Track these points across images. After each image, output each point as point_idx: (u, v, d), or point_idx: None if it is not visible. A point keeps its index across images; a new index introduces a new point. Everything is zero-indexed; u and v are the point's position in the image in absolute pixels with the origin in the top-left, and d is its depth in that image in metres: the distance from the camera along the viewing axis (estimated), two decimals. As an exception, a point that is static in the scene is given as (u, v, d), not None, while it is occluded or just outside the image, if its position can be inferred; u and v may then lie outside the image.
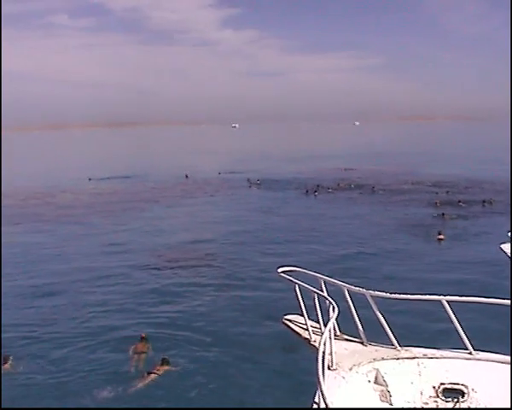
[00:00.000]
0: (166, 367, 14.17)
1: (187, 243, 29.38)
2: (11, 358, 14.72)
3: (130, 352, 15.33)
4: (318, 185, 49.87)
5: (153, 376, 13.78)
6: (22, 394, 13.19)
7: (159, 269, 24.45)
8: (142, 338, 15.83)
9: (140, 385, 13.50)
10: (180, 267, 24.54)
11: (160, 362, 14.31)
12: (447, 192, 44.76)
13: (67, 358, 15.15)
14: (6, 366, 14.39)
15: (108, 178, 63.71)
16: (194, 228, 33.95)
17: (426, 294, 8.06)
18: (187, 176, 62.07)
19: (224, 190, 51.81)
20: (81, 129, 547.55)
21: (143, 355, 15.11)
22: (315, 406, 5.96)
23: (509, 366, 7.34)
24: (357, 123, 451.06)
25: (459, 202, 39.45)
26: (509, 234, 12.70)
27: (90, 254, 27.44)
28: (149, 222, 36.07)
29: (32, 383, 13.74)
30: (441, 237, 28.10)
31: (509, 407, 6.65)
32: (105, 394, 13.05)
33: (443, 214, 34.56)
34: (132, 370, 14.42)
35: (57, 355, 15.31)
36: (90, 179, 61.81)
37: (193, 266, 24.54)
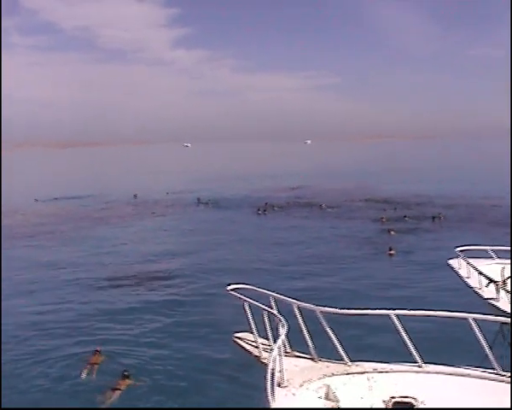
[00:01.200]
0: (128, 382, 14.08)
1: (135, 263, 29.05)
2: None
3: (85, 364, 15.29)
4: (267, 204, 50.05)
5: (117, 392, 13.70)
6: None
7: (107, 288, 24.15)
8: (96, 351, 15.88)
9: (109, 401, 13.42)
10: (129, 286, 24.30)
11: (121, 377, 14.21)
12: (395, 209, 45.56)
13: (21, 378, 14.91)
14: None
15: (56, 198, 62.38)
16: (142, 248, 33.52)
17: (375, 309, 8.10)
18: (135, 196, 61.13)
19: (173, 209, 51.59)
20: (32, 148, 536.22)
21: (96, 366, 15.17)
22: None
23: (458, 377, 7.43)
24: (309, 141, 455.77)
25: (405, 217, 40.41)
26: (456, 250, 12.98)
27: (35, 273, 26.99)
28: (97, 242, 35.52)
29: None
30: (392, 252, 28.60)
31: None
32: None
33: (389, 230, 35.06)
34: (83, 377, 14.60)
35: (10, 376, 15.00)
36: (36, 200, 60.29)
37: (141, 285, 24.36)
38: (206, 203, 53.98)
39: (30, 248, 34.00)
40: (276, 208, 48.63)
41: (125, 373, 14.34)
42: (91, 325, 19.30)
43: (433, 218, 39.76)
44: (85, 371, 14.95)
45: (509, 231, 28.83)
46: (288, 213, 46.69)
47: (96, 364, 15.35)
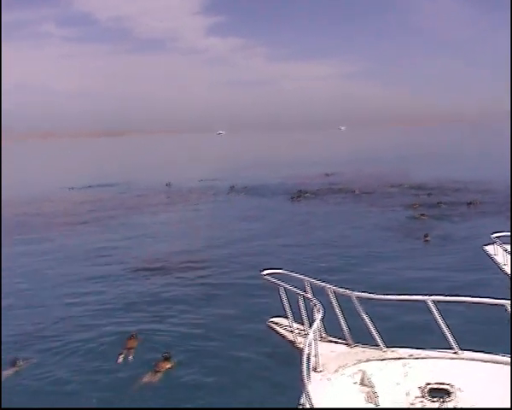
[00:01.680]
0: (169, 364, 14.36)
1: (168, 250, 29.28)
2: (20, 361, 14.91)
3: (121, 348, 15.59)
4: (301, 190, 49.85)
5: (158, 374, 13.96)
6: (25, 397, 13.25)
7: (142, 275, 24.45)
8: (132, 335, 16.21)
9: (147, 382, 13.67)
10: (163, 272, 24.55)
11: (161, 359, 14.51)
12: (428, 194, 44.90)
13: (64, 360, 15.35)
14: (15, 368, 14.55)
15: (90, 186, 63.52)
16: (176, 235, 33.93)
17: (411, 294, 8.06)
18: (168, 184, 61.62)
19: (206, 197, 51.75)
20: (69, 138, 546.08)
21: (132, 350, 15.48)
22: (300, 408, 5.90)
23: (494, 364, 7.35)
24: (343, 128, 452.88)
25: (439, 203, 39.90)
26: (493, 236, 12.77)
27: (78, 261, 27.57)
28: (130, 230, 36.02)
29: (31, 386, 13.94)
30: (427, 238, 28.34)
31: (494, 406, 6.64)
32: (107, 395, 13.23)
33: (421, 216, 34.97)
34: (120, 363, 14.85)
35: (53, 358, 15.50)
36: (71, 189, 61.57)
37: (176, 271, 24.57)
38: (240, 191, 54.06)
39: (66, 236, 34.59)
40: (309, 195, 48.41)
41: (166, 355, 14.61)
42: (127, 309, 19.66)
43: (469, 204, 38.95)
44: (122, 356, 15.24)
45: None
46: (322, 199, 46.48)
47: (131, 348, 15.64)
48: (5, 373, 14.31)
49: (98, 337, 16.85)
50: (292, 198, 46.99)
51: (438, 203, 39.80)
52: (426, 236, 28.62)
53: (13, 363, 14.70)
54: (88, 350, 15.95)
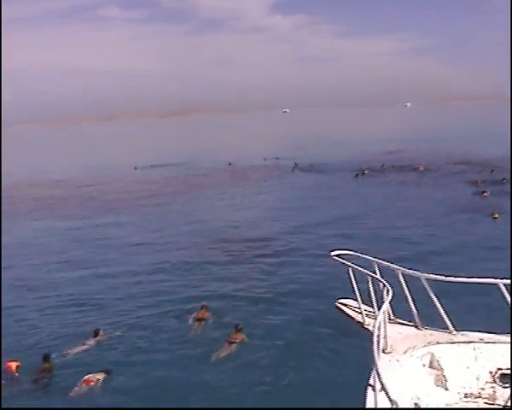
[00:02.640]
0: (242, 336, 14.71)
1: (232, 227, 29.85)
2: (101, 331, 15.65)
3: (191, 320, 16.23)
4: (367, 168, 49.30)
5: (233, 345, 14.32)
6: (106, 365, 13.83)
7: (208, 250, 25.06)
8: (203, 306, 16.66)
9: (223, 354, 14.02)
10: (228, 250, 24.96)
11: (234, 331, 14.86)
12: (492, 171, 43.72)
13: (139, 332, 16.01)
14: (97, 338, 15.29)
15: (153, 166, 64.82)
16: (240, 213, 34.20)
17: (482, 277, 7.91)
18: (230, 164, 61.80)
19: (270, 175, 51.89)
20: (133, 119, 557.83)
21: (203, 322, 16.02)
22: (369, 388, 5.96)
23: None
24: (409, 104, 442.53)
25: (503, 179, 38.87)
26: None
27: (141, 237, 28.75)
28: (194, 208, 36.61)
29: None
30: (496, 215, 27.78)
31: None
32: (189, 363, 13.79)
33: (482, 192, 34.50)
34: (193, 334, 15.42)
35: (129, 331, 16.17)
36: (135, 168, 62.97)
37: (240, 249, 24.92)
38: (304, 169, 53.89)
39: (132, 215, 35.58)
40: (372, 172, 47.99)
41: (239, 327, 14.95)
42: (194, 282, 20.38)
43: None
44: (195, 327, 15.80)
45: None
46: (385, 177, 46.07)
47: (203, 319, 16.15)
48: (88, 343, 15.06)
49: (168, 311, 17.43)
50: (356, 175, 46.67)
51: (502, 180, 38.86)
52: (494, 212, 28.06)
53: (95, 334, 15.44)
54: (160, 323, 16.53)
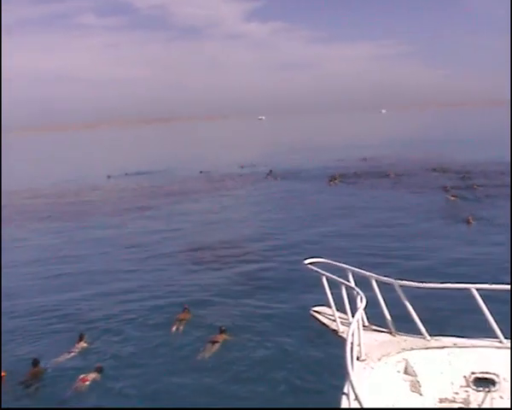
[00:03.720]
0: (225, 336, 15.23)
1: (208, 236, 29.58)
2: (86, 336, 15.88)
3: (175, 321, 16.73)
4: (336, 175, 50.15)
5: (216, 344, 14.88)
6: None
7: (187, 261, 24.82)
8: (185, 309, 17.32)
9: (207, 354, 14.52)
10: (206, 258, 24.93)
11: (218, 331, 15.41)
12: (462, 177, 44.57)
13: (130, 334, 16.40)
14: (81, 343, 15.50)
15: (127, 174, 64.51)
16: (215, 221, 34.09)
17: (454, 282, 7.97)
18: (201, 172, 61.61)
19: (245, 182, 51.87)
20: (114, 126, 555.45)
21: (184, 322, 16.63)
22: (344, 397, 5.94)
23: None
24: (384, 111, 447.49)
25: (474, 185, 39.66)
26: None
27: (118, 248, 28.30)
28: (168, 217, 36.37)
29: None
30: (470, 220, 28.13)
31: None
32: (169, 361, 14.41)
33: (452, 196, 35.26)
34: (173, 332, 16.16)
35: (122, 333, 16.51)
36: (108, 177, 62.45)
37: (217, 257, 24.90)
38: (279, 176, 54.02)
39: (104, 224, 35.26)
40: (345, 179, 48.59)
41: (222, 328, 15.50)
42: (169, 295, 20.18)
43: (498, 186, 38.28)
44: (175, 327, 16.35)
45: None
46: (356, 182, 46.65)
47: (184, 320, 16.71)
48: (73, 349, 15.27)
49: (149, 314, 17.88)
50: (329, 181, 47.14)
51: (473, 186, 39.63)
52: (469, 217, 28.43)
53: (80, 338, 15.65)
54: (142, 326, 16.95)
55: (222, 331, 15.37)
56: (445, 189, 38.68)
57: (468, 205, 32.89)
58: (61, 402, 12.64)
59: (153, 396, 12.74)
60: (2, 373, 13.60)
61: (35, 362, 14.00)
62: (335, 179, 47.61)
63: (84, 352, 15.18)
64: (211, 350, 14.62)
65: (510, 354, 7.08)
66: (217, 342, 14.92)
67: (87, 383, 13.24)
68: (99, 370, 13.74)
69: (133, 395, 12.86)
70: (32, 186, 57.81)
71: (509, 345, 7.44)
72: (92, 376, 13.47)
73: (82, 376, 13.42)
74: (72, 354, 14.99)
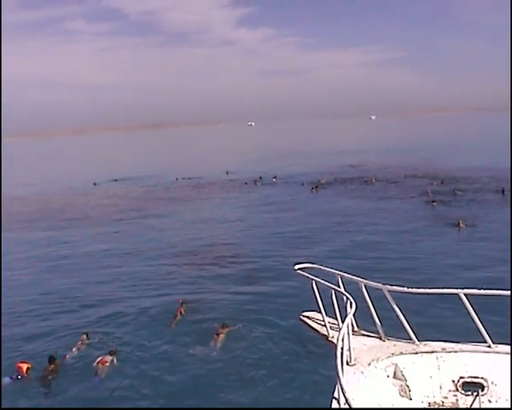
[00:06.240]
0: (227, 329, 15.94)
1: (196, 242, 29.66)
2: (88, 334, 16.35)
3: (172, 316, 17.49)
4: (324, 181, 51.11)
5: (221, 335, 15.60)
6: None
7: (177, 264, 25.12)
8: (181, 303, 18.21)
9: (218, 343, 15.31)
10: (191, 265, 24.97)
11: (220, 326, 16.05)
12: (442, 182, 45.29)
13: (128, 333, 16.89)
14: (84, 341, 15.94)
15: (116, 180, 64.63)
16: (202, 227, 34.07)
17: (443, 287, 8.01)
18: (176, 179, 61.69)
19: (232, 189, 52.02)
20: (101, 132, 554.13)
21: (181, 316, 17.50)
22: (334, 401, 5.97)
23: None
24: (374, 117, 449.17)
25: (455, 190, 40.30)
26: None
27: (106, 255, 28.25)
28: (155, 224, 36.28)
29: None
30: (461, 225, 28.43)
31: None
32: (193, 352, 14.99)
33: (432, 202, 36.00)
34: (173, 325, 17.00)
35: (119, 331, 17.08)
36: (95, 184, 62.20)
37: (205, 264, 24.94)
38: (265, 183, 54.25)
39: (90, 230, 35.26)
40: (329, 185, 49.33)
41: (225, 323, 16.18)
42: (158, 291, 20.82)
43: (503, 191, 38.21)
44: (174, 321, 17.17)
45: None
46: (338, 189, 47.20)
47: (181, 314, 17.55)
48: (77, 345, 15.71)
49: (147, 309, 18.59)
50: (312, 189, 47.30)
51: (454, 190, 40.24)
52: (459, 222, 28.75)
53: (85, 336, 16.12)
54: (140, 324, 17.52)
55: (224, 325, 16.03)
56: (427, 194, 39.24)
57: (448, 210, 33.46)
58: (85, 388, 13.40)
59: (154, 387, 13.24)
60: (27, 366, 14.12)
61: (51, 358, 14.38)
62: (316, 187, 48.06)
63: (88, 348, 15.61)
64: (217, 342, 15.28)
65: (510, 359, 7.11)
66: (221, 333, 15.57)
67: (106, 364, 14.05)
68: (113, 353, 14.58)
69: (135, 386, 13.36)
70: (14, 194, 57.49)
71: (496, 349, 7.50)
72: (109, 358, 14.28)
73: (100, 358, 14.27)
74: (76, 350, 15.40)
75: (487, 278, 19.37)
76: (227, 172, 64.96)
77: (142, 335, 16.48)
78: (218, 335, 15.57)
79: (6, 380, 13.75)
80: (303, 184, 51.10)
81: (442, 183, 45.13)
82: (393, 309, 7.89)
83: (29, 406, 12.96)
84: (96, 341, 16.08)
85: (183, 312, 17.63)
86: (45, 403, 13.02)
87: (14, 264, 27.21)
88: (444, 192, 40.03)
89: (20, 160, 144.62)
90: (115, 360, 14.35)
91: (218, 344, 15.24)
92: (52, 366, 14.24)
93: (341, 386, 5.57)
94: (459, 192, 39.63)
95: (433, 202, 35.95)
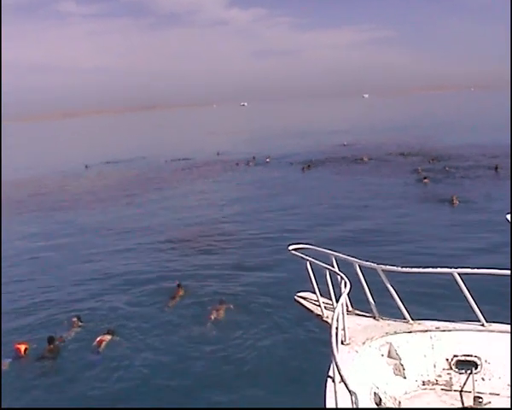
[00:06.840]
0: (225, 306, 16.24)
1: (188, 224, 29.54)
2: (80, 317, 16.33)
3: (169, 297, 17.59)
4: (315, 160, 51.15)
5: (221, 311, 15.92)
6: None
7: (167, 248, 24.94)
8: (178, 285, 18.19)
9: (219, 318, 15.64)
10: (187, 247, 24.88)
11: (218, 302, 16.42)
12: (432, 159, 45.57)
13: (126, 314, 16.90)
14: (77, 324, 15.89)
15: (108, 162, 64.53)
16: (194, 210, 33.92)
17: (437, 267, 8.03)
18: (165, 162, 61.36)
19: (223, 170, 51.83)
20: (93, 115, 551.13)
21: (178, 297, 17.58)
22: (329, 380, 6.00)
23: None
24: (366, 96, 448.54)
25: (445, 167, 40.63)
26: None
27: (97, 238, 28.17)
28: (148, 206, 36.16)
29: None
30: (455, 201, 28.61)
31: None
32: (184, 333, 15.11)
33: (424, 179, 36.15)
34: (170, 306, 17.05)
35: (117, 313, 17.09)
36: (86, 167, 61.98)
37: (198, 246, 24.87)
38: (259, 163, 54.16)
39: (85, 214, 35.07)
40: (320, 164, 49.48)
41: (223, 299, 16.61)
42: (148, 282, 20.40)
43: (496, 168, 38.29)
44: (171, 302, 17.20)
45: None
46: (330, 168, 47.29)
47: (179, 295, 17.64)
48: (73, 329, 15.74)
49: (142, 293, 18.65)
50: (303, 168, 47.43)
51: (444, 168, 40.53)
52: (453, 198, 28.88)
53: (77, 319, 16.07)
54: (137, 305, 17.57)
55: (222, 302, 16.36)
56: (418, 172, 39.42)
57: (439, 187, 33.70)
58: (85, 367, 13.47)
59: (155, 370, 13.30)
60: (24, 347, 14.21)
61: (50, 339, 14.46)
62: (309, 166, 48.11)
63: (81, 332, 15.60)
64: (217, 316, 15.61)
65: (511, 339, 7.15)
66: (220, 309, 15.89)
67: (105, 342, 14.25)
68: (111, 332, 14.75)
69: (136, 369, 13.38)
70: (5, 178, 56.81)
71: (490, 328, 7.55)
72: (108, 337, 14.47)
73: (98, 338, 14.44)
74: (71, 334, 15.45)
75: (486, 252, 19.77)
76: (217, 153, 64.99)
77: (139, 315, 16.58)
78: (217, 311, 15.81)
79: (7, 360, 13.81)
80: (295, 163, 51.06)
81: (433, 160, 45.34)
82: (387, 289, 7.92)
83: (28, 385, 12.96)
84: (90, 323, 16.08)
85: (181, 293, 17.73)
86: (46, 383, 13.03)
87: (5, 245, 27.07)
88: (435, 170, 40.17)
89: (9, 144, 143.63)
90: (113, 339, 14.52)
91: (218, 318, 15.52)
92: (51, 346, 14.34)
93: (337, 365, 5.61)
94: (451, 169, 39.74)
95: (425, 178, 36.10)
